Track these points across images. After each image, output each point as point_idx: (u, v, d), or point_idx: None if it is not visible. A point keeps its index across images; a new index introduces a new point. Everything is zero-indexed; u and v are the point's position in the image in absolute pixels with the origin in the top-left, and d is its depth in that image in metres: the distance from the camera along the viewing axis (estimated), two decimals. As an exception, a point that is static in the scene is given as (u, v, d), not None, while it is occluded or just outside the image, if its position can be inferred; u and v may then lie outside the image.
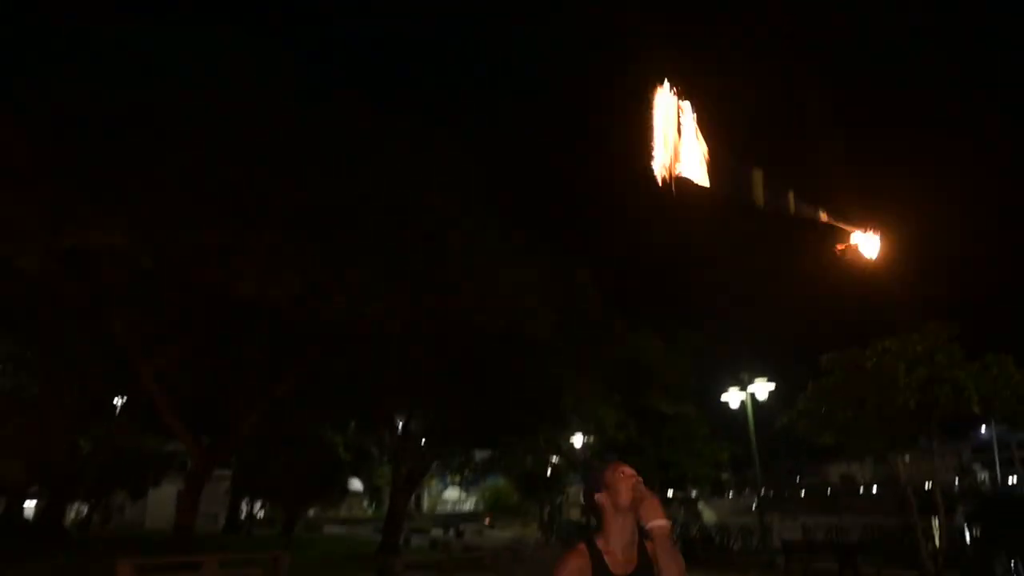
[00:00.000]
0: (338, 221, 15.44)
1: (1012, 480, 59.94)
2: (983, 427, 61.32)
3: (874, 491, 47.85)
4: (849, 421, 13.93)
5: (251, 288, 14.33)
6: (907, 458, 20.94)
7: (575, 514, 34.67)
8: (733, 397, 19.17)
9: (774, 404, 19.14)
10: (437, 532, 30.24)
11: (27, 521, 26.29)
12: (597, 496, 2.60)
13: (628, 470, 2.62)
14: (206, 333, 17.74)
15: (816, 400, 14.58)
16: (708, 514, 28.08)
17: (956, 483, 55.11)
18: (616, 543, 2.55)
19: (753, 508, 23.02)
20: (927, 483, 23.34)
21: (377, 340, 18.08)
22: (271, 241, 14.02)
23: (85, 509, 33.43)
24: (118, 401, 25.80)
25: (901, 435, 14.70)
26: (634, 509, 2.54)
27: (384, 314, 15.93)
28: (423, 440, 23.26)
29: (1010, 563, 14.32)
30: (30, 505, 29.64)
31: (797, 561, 17.34)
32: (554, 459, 31.19)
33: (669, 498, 33.97)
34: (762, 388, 18.53)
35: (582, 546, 2.57)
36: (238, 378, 18.63)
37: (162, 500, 32.03)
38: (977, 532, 18.22)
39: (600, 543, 2.57)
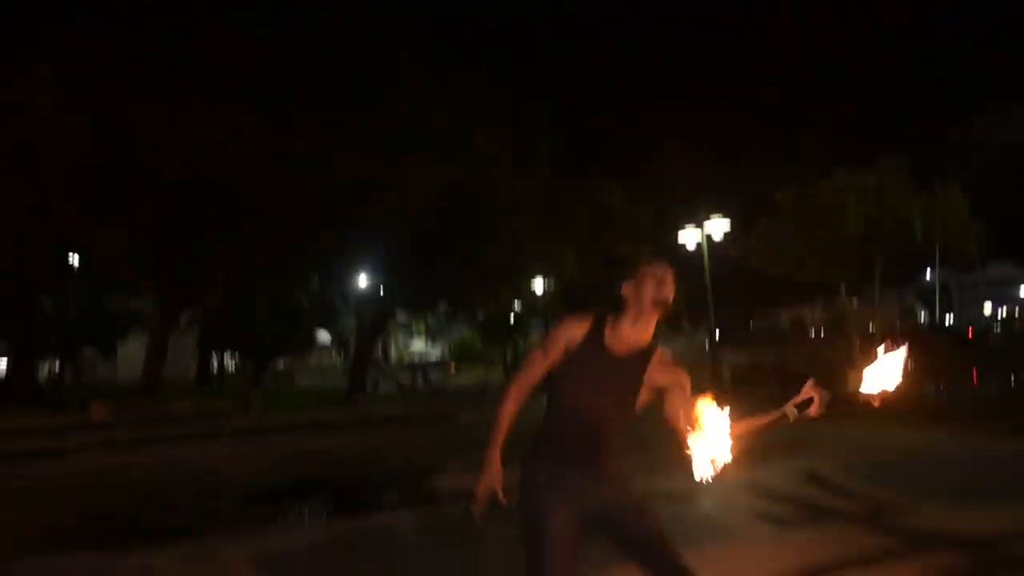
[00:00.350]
0: (288, 82, 14.87)
1: (948, 320, 63.48)
2: (928, 272, 63.94)
3: (822, 334, 50.34)
4: (799, 252, 14.40)
5: (187, 161, 13.90)
6: (855, 302, 21.95)
7: (538, 359, 35.92)
8: (689, 236, 19.55)
9: (729, 245, 19.67)
10: (405, 379, 31.33)
11: (-2, 379, 26.48)
12: (624, 284, 2.51)
13: (662, 270, 2.50)
14: (157, 202, 17.36)
15: (769, 234, 14.97)
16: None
17: (898, 324, 58.21)
18: (624, 330, 2.48)
19: (706, 346, 24.15)
20: (870, 325, 24.65)
21: (334, 198, 17.83)
22: (215, 108, 13.54)
23: (56, 366, 33.74)
24: (76, 259, 25.47)
25: (848, 268, 15.32)
26: (652, 311, 2.46)
27: (339, 175, 15.65)
28: (384, 290, 23.58)
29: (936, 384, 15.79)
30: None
31: (744, 387, 18.47)
32: (516, 307, 31.99)
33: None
34: (718, 226, 18.89)
35: (590, 316, 2.51)
36: (195, 241, 18.46)
37: (132, 356, 32.30)
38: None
39: (610, 321, 2.50)
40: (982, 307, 67.36)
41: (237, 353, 35.44)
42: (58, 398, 22.82)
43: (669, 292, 2.47)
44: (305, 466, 9.92)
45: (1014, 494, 6.73)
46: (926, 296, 65.74)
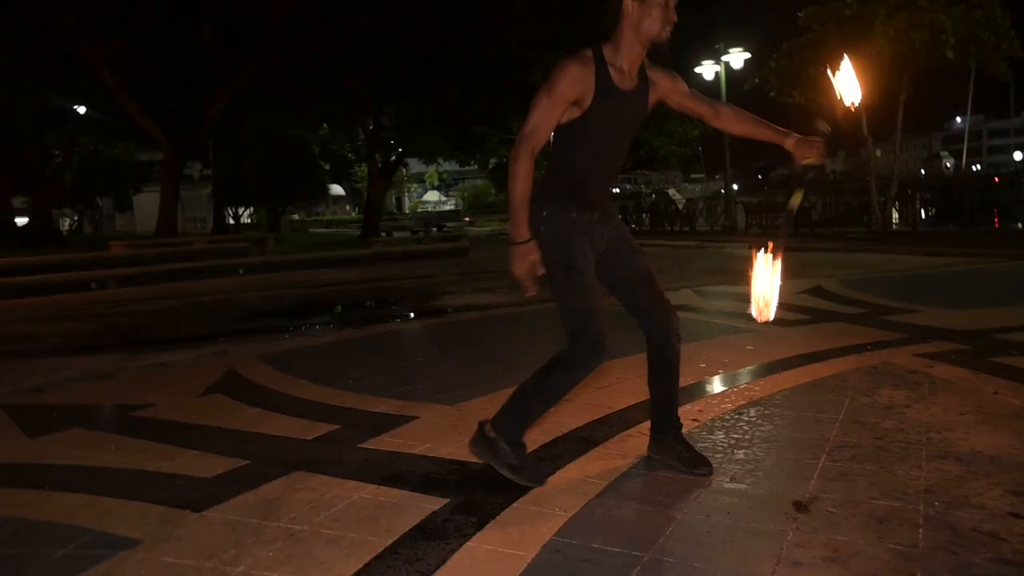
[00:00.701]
0: None
1: (976, 168, 61.74)
2: (958, 118, 61.67)
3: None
4: (819, 76, 13.67)
5: None
6: (878, 152, 21.25)
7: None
8: (707, 69, 18.69)
9: (747, 74, 18.79)
10: (418, 228, 31.52)
11: (20, 228, 26.93)
12: None
13: None
14: (156, 16, 16.75)
15: (788, 58, 14.20)
16: (679, 196, 29.25)
17: (922, 172, 56.89)
18: (624, 58, 2.32)
19: (722, 190, 23.84)
20: (893, 172, 24.10)
21: (337, 23, 17.15)
22: None
23: (75, 219, 34.28)
24: (81, 109, 25.12)
25: (872, 97, 14.55)
26: (650, 40, 2.29)
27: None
28: (395, 131, 23.17)
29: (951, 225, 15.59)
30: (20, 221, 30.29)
31: (756, 224, 18.34)
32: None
33: (640, 182, 35.19)
34: (737, 58, 18.00)
35: (588, 52, 2.31)
36: (198, 63, 17.91)
37: (148, 207, 32.70)
38: (932, 211, 19.59)
39: (608, 53, 2.32)
40: (1011, 156, 65.49)
41: (251, 208, 35.66)
42: (76, 241, 23.30)
43: (670, 23, 2.30)
44: (319, 291, 10.17)
45: (1010, 300, 6.89)
46: (953, 140, 63.78)
